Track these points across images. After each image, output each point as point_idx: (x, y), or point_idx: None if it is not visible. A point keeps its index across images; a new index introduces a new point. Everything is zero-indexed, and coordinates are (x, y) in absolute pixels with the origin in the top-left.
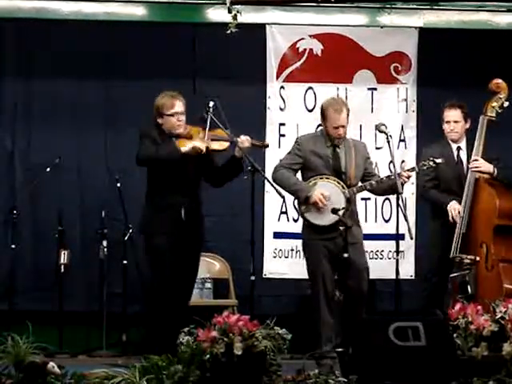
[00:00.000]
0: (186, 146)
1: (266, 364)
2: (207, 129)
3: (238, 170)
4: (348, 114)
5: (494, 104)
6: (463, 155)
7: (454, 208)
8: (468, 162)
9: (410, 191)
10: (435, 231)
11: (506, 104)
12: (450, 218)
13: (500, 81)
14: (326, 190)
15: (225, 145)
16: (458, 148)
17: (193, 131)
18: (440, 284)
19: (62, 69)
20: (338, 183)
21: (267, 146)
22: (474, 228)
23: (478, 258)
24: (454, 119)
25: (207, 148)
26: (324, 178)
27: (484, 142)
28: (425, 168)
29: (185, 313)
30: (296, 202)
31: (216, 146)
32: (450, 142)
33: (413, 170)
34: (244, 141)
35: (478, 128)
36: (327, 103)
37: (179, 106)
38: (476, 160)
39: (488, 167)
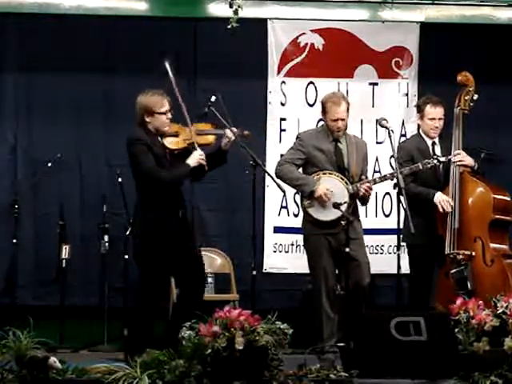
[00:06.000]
0: (191, 159)
1: (268, 359)
2: (189, 123)
3: (220, 162)
4: (348, 109)
5: (467, 97)
6: (438, 150)
7: (443, 199)
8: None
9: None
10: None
11: (476, 97)
12: (441, 210)
13: (468, 73)
14: (330, 185)
15: (211, 138)
16: (433, 143)
17: (177, 128)
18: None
19: (62, 64)
20: (342, 179)
21: (249, 135)
22: (465, 223)
23: (473, 253)
24: (439, 116)
25: (197, 143)
26: (327, 174)
27: (462, 135)
28: (429, 166)
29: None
30: (298, 196)
31: (203, 140)
32: (425, 136)
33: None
34: (230, 133)
35: (453, 121)
36: (327, 96)
37: (168, 104)
38: (459, 154)
39: (470, 160)
